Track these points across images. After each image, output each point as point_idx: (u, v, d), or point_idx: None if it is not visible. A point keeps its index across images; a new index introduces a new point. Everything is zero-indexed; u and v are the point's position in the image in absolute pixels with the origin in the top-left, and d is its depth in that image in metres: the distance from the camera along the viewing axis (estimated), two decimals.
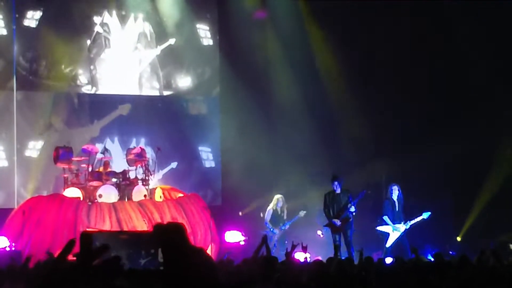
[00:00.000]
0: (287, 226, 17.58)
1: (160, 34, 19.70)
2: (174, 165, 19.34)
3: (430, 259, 13.59)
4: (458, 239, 18.47)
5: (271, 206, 17.68)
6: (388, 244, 16.35)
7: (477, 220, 18.25)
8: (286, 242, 16.53)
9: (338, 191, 15.76)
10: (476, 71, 17.91)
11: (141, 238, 6.65)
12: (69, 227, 15.02)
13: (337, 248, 14.52)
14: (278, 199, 17.64)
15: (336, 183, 15.76)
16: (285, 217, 17.69)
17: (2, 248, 14.72)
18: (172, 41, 19.66)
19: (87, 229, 13.15)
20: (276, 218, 17.56)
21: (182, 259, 5.85)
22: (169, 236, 5.96)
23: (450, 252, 16.46)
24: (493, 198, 18.02)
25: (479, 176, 18.31)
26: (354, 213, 15.72)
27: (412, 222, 16.35)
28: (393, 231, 16.34)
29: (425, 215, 16.31)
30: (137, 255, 6.78)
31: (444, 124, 18.57)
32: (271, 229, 17.40)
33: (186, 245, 5.97)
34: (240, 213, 19.21)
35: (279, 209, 17.55)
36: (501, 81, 18.13)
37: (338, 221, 15.54)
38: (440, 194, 18.24)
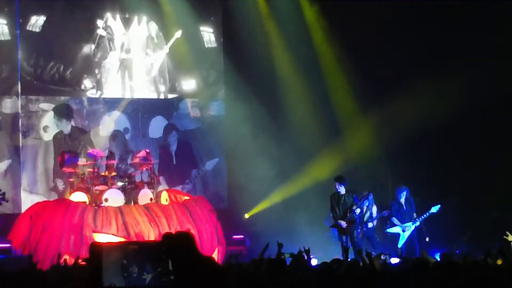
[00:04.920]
0: (374, 222, 16.67)
1: (165, 35, 19.67)
2: None
3: (437, 259, 13.57)
4: (465, 238, 18.42)
5: None
6: (400, 244, 16.32)
7: (484, 220, 18.20)
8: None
9: (343, 192, 15.66)
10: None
11: (150, 248, 6.31)
12: (75, 231, 15.03)
13: (345, 250, 14.43)
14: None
15: (337, 184, 15.65)
16: (372, 214, 16.69)
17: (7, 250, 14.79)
18: (178, 33, 19.52)
19: (96, 241, 12.98)
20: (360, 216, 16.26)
21: (192, 268, 5.84)
22: (178, 245, 5.94)
23: (457, 252, 16.43)
24: (500, 198, 17.96)
25: (486, 176, 18.23)
26: (360, 215, 15.70)
27: (422, 218, 16.27)
28: (403, 231, 16.30)
29: (434, 209, 16.17)
30: (142, 268, 6.35)
31: (451, 124, 18.41)
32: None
33: (196, 254, 5.96)
34: (246, 216, 19.17)
35: (364, 207, 16.38)
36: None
37: (344, 222, 15.48)
38: (446, 193, 18.18)
